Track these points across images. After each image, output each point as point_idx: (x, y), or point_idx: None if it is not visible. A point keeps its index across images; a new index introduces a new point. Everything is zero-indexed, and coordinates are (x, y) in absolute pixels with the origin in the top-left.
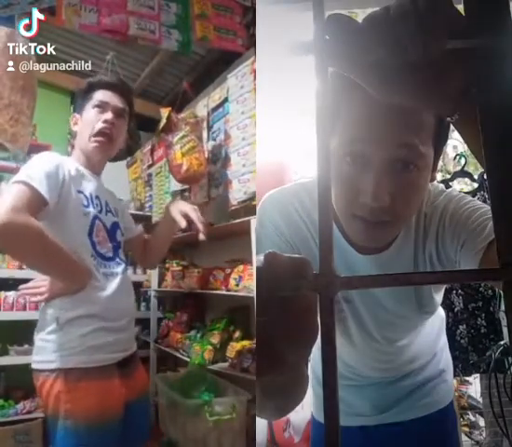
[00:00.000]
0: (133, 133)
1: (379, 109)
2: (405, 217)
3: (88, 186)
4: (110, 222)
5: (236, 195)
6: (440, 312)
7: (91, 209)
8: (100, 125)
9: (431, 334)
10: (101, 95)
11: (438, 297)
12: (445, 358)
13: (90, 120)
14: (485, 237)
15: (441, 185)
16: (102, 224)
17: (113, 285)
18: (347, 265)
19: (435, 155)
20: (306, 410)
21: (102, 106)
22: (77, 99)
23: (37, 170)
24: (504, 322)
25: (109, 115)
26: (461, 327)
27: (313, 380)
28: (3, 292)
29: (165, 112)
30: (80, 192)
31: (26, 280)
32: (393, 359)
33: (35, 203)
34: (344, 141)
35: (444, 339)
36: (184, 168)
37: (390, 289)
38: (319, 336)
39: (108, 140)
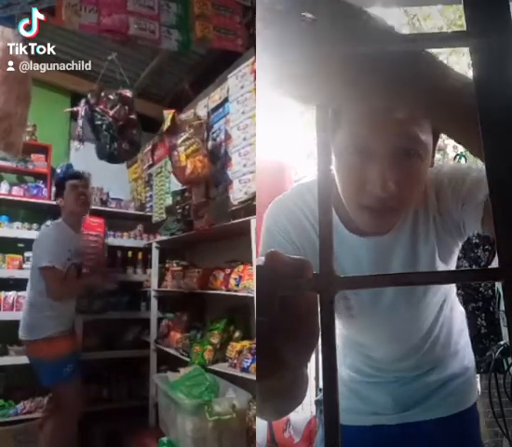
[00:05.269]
0: (134, 138)
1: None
2: (409, 203)
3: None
4: None
5: (237, 195)
6: (460, 307)
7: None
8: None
9: (451, 326)
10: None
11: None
12: (468, 357)
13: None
14: (484, 189)
15: None
16: None
17: None
18: (345, 247)
19: (433, 140)
20: (306, 410)
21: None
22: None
23: None
24: (504, 322)
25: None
26: None
27: None
28: (3, 292)
29: (168, 114)
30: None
31: (26, 280)
32: (413, 346)
33: None
34: (349, 136)
35: (466, 336)
36: (189, 170)
37: (397, 265)
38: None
39: None
